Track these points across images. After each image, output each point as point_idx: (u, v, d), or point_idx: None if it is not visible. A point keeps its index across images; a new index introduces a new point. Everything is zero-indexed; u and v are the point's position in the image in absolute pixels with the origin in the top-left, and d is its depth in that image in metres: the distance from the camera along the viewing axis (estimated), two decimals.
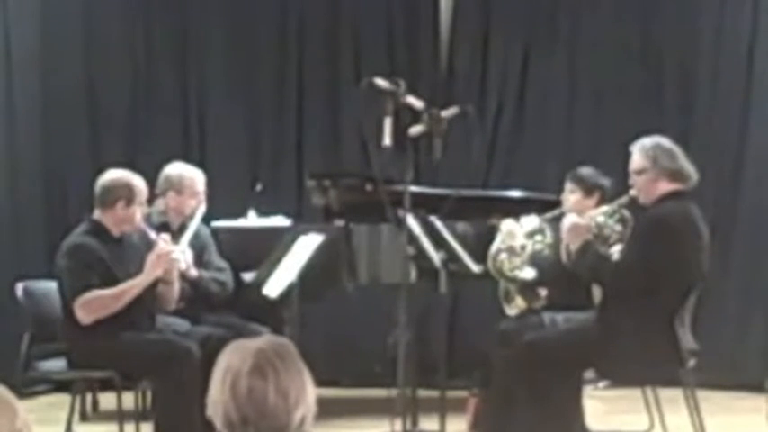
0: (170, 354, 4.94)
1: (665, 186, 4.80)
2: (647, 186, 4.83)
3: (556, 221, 5.69)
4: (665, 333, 4.70)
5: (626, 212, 5.15)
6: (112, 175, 5.16)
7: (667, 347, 4.71)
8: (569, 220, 4.99)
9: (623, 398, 6.10)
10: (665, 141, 4.88)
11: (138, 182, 5.15)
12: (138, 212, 5.11)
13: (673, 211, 4.74)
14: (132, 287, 4.98)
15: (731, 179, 7.26)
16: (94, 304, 4.93)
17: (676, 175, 4.80)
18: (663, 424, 5.48)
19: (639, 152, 4.86)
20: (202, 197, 5.76)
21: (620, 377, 5.00)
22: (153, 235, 5.12)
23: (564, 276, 5.26)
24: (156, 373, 4.99)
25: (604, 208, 5.21)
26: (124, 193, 5.07)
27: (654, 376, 4.94)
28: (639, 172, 4.84)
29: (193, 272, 5.47)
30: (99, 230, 5.10)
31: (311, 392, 2.26)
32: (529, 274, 5.60)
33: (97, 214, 5.14)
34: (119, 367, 4.96)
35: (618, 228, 5.13)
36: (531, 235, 5.62)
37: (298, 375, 2.24)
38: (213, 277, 5.65)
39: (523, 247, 5.59)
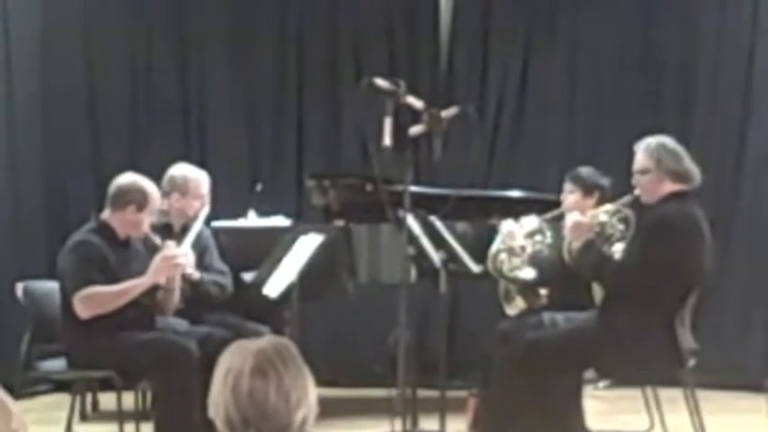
0: (169, 354, 4.94)
1: (669, 187, 4.80)
2: (650, 186, 4.83)
3: (556, 222, 5.69)
4: (665, 333, 4.70)
5: (628, 212, 5.14)
6: (129, 178, 5.16)
7: (667, 347, 4.71)
8: (572, 219, 4.99)
9: (623, 398, 6.11)
10: (669, 141, 4.88)
11: (153, 190, 5.14)
12: (147, 220, 5.12)
13: (676, 211, 4.74)
14: (134, 287, 4.98)
15: (731, 179, 7.26)
16: (95, 300, 4.92)
17: (680, 176, 4.81)
18: (663, 424, 5.49)
19: (644, 152, 4.86)
20: (206, 199, 5.76)
21: (620, 377, 5.00)
22: (158, 240, 5.12)
23: (564, 276, 5.27)
24: (156, 373, 4.99)
25: (607, 206, 5.21)
26: (137, 198, 5.07)
27: (654, 376, 4.94)
28: (643, 172, 4.84)
29: (196, 274, 5.47)
30: (105, 231, 5.10)
31: (312, 393, 2.26)
32: (529, 274, 5.60)
33: (106, 214, 5.14)
34: (118, 367, 4.95)
35: (620, 227, 5.13)
36: (530, 235, 5.62)
37: (299, 376, 2.24)
38: (214, 280, 5.65)
39: (523, 248, 5.59)
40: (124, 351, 4.96)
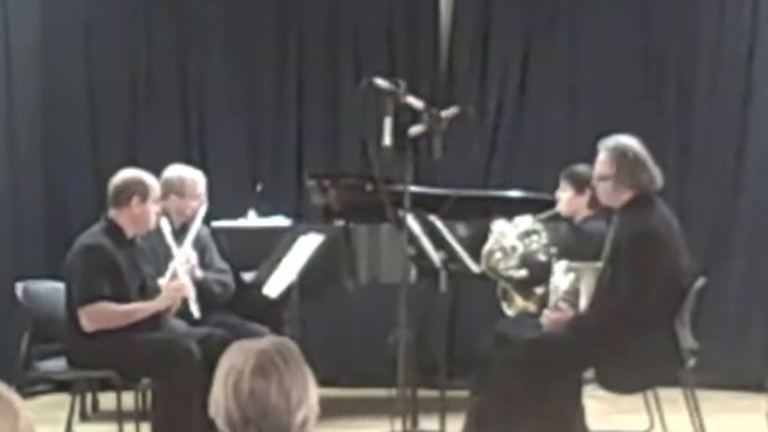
0: (170, 354, 4.95)
1: (627, 195, 4.81)
2: (608, 193, 4.88)
3: (551, 221, 5.70)
4: (665, 333, 4.70)
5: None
6: (124, 174, 5.19)
7: (667, 347, 4.71)
8: (546, 323, 4.98)
9: (623, 398, 6.08)
10: (630, 148, 4.85)
11: (151, 179, 5.19)
12: (153, 210, 5.14)
13: (655, 221, 4.73)
14: (143, 309, 5.04)
15: (731, 179, 7.26)
16: (102, 317, 4.98)
17: (636, 186, 4.80)
18: (663, 424, 5.49)
19: (604, 156, 4.87)
20: (204, 198, 5.77)
21: (620, 385, 4.96)
22: (170, 239, 5.16)
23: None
24: (156, 373, 5.00)
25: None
26: (138, 189, 5.10)
27: (654, 376, 4.93)
28: (601, 178, 4.86)
29: (199, 273, 5.49)
30: (114, 230, 5.12)
31: (314, 393, 2.26)
32: (521, 274, 5.60)
33: (113, 214, 5.15)
34: (119, 367, 4.97)
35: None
36: (526, 235, 5.63)
37: (300, 376, 2.24)
38: (217, 279, 5.68)
39: (514, 248, 5.59)
40: (125, 351, 4.98)
